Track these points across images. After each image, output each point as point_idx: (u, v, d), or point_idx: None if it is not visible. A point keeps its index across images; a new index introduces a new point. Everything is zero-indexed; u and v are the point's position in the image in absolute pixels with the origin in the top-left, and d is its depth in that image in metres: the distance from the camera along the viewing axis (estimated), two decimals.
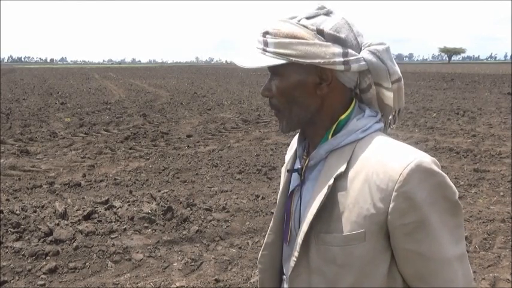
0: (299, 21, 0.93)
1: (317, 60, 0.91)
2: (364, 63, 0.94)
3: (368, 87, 0.98)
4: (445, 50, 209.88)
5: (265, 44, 0.94)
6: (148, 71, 61.26)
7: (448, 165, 6.63)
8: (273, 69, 0.97)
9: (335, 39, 0.92)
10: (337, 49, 0.91)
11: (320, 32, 0.92)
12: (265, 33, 0.95)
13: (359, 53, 0.94)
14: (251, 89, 22.46)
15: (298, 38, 0.91)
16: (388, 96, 0.99)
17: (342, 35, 0.93)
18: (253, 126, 10.41)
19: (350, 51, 0.93)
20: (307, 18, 0.94)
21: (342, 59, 0.92)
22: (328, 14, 0.94)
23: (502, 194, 5.36)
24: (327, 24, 0.92)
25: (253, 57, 0.96)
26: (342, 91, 0.97)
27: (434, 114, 11.73)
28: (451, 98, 16.41)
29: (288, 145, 1.21)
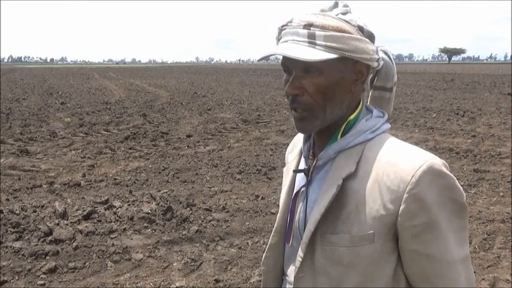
0: (337, 15, 0.92)
1: (364, 56, 0.91)
2: (383, 62, 0.98)
3: (364, 88, 1.02)
4: (445, 50, 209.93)
5: (312, 36, 0.89)
6: (148, 71, 61.27)
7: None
8: (312, 65, 0.90)
9: (370, 36, 0.94)
10: (373, 46, 0.94)
11: (360, 28, 0.92)
12: (309, 26, 0.89)
13: None
14: (251, 89, 22.46)
15: (348, 32, 0.90)
16: (387, 98, 1.03)
17: (374, 33, 0.95)
18: (253, 126, 10.40)
19: (378, 49, 0.96)
20: (342, 14, 0.92)
21: (377, 56, 0.94)
22: (351, 12, 0.94)
23: (501, 194, 5.36)
24: (360, 21, 0.93)
25: (301, 50, 0.88)
26: (362, 90, 0.98)
27: (434, 115, 11.73)
28: (451, 98, 16.41)
29: (288, 145, 1.21)
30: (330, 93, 0.92)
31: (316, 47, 0.88)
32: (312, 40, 0.89)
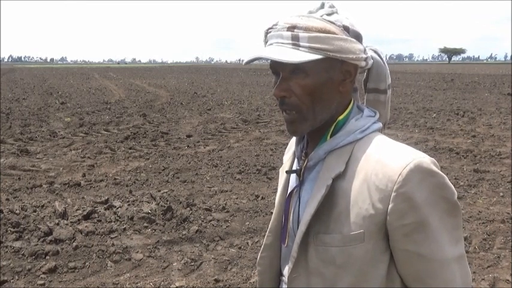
0: (321, 16, 0.92)
1: (350, 56, 0.91)
2: (372, 61, 0.98)
3: (356, 88, 1.02)
4: (445, 51, 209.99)
5: (296, 38, 0.89)
6: (148, 71, 61.27)
7: (448, 165, 6.63)
8: (298, 66, 0.91)
9: (357, 36, 0.94)
10: (361, 46, 0.94)
11: (346, 28, 0.92)
12: (292, 28, 0.90)
13: None
14: (251, 89, 22.46)
15: (332, 33, 0.90)
16: (383, 101, 1.03)
17: (361, 33, 0.95)
18: (253, 126, 10.41)
19: (365, 48, 0.96)
20: (327, 15, 0.93)
21: (364, 56, 0.94)
22: (337, 12, 0.95)
23: (501, 194, 5.36)
24: (346, 22, 0.93)
25: (284, 52, 0.89)
26: (351, 89, 0.98)
27: (434, 115, 11.73)
28: (451, 98, 16.41)
29: (287, 145, 1.21)
30: (318, 94, 0.92)
31: (300, 48, 0.89)
32: (295, 42, 0.89)
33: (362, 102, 1.05)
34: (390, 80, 1.03)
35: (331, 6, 0.94)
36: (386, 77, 1.02)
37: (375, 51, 1.01)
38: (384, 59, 1.02)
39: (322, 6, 0.94)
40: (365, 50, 0.96)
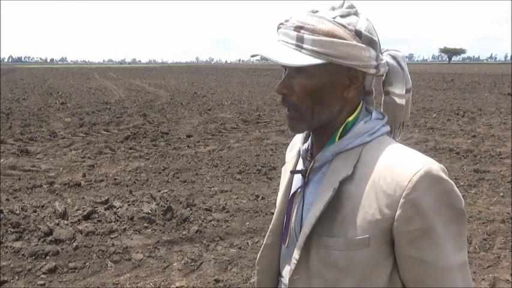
0: (334, 18, 0.89)
1: (356, 63, 0.89)
2: (387, 67, 0.96)
3: (370, 91, 1.01)
4: (445, 51, 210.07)
5: (300, 40, 0.88)
6: (149, 71, 61.27)
7: (448, 165, 6.62)
8: (301, 67, 0.90)
9: (370, 42, 0.91)
10: (372, 52, 0.91)
11: (358, 33, 0.89)
12: (299, 28, 0.88)
13: None
14: (251, 89, 22.46)
15: (339, 37, 0.87)
16: (400, 104, 1.00)
17: (375, 38, 0.92)
18: (253, 126, 10.41)
19: (380, 55, 0.94)
20: (342, 16, 0.90)
21: (375, 63, 0.92)
22: (357, 14, 0.92)
23: (502, 194, 5.36)
24: (362, 25, 0.90)
25: (285, 53, 0.89)
26: (360, 93, 0.96)
27: (434, 115, 11.73)
28: (451, 98, 16.42)
29: (288, 145, 1.20)
30: (318, 96, 0.91)
31: (303, 50, 0.88)
32: (299, 43, 0.88)
33: (378, 103, 1.03)
34: (410, 84, 1.00)
35: (350, 7, 0.92)
36: (404, 82, 0.99)
37: (394, 57, 0.98)
38: (404, 64, 0.99)
39: (342, 6, 0.92)
40: (378, 57, 0.92)
